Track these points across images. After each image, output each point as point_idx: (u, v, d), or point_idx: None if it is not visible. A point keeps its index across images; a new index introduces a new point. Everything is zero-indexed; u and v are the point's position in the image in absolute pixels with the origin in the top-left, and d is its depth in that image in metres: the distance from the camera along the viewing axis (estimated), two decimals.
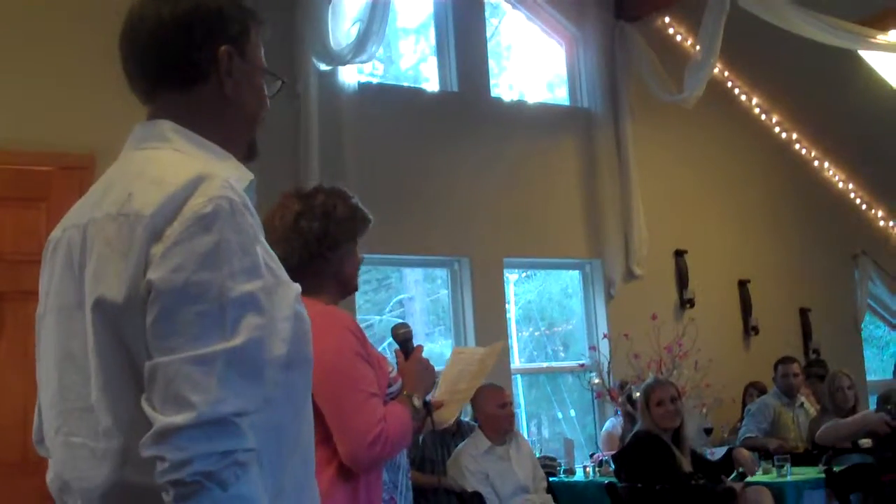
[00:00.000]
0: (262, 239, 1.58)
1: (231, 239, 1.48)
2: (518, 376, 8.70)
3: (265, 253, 1.57)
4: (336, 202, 2.70)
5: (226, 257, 1.47)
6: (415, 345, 2.79)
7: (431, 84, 8.54)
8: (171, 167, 1.57)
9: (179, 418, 1.38)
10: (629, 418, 7.20)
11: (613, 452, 6.59)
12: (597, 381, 8.28)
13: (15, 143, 5.46)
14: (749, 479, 5.96)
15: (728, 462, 5.98)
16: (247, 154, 1.76)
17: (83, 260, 1.58)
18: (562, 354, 9.48)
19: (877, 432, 6.11)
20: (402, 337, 2.79)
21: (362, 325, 2.69)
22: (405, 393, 2.64)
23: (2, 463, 4.95)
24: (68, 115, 5.62)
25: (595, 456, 7.38)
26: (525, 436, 7.07)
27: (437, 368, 2.82)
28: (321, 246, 2.66)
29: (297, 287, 1.64)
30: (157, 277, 1.45)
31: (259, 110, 1.78)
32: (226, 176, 1.55)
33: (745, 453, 6.05)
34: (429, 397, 2.69)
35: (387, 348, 6.93)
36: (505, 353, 8.03)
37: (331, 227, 2.67)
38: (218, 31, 1.69)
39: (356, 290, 2.84)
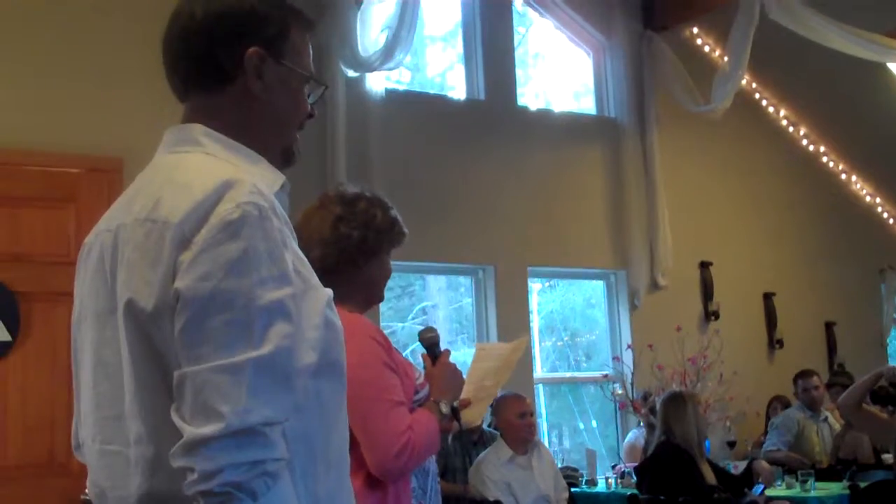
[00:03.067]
0: (293, 244, 1.56)
1: (259, 246, 1.46)
2: (540, 385, 8.68)
3: (295, 258, 1.54)
4: (377, 212, 2.66)
5: (254, 265, 1.44)
6: (441, 349, 2.76)
7: (458, 92, 8.55)
8: (199, 172, 1.54)
9: (208, 429, 1.37)
10: (652, 430, 7.17)
11: (636, 464, 6.56)
12: (620, 391, 8.25)
13: (44, 144, 5.50)
14: (772, 493, 5.94)
15: (749, 475, 5.96)
16: (282, 160, 1.71)
17: (114, 265, 1.56)
18: (584, 364, 9.45)
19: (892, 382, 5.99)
20: (430, 341, 2.75)
21: (385, 332, 2.67)
22: (432, 399, 2.61)
23: (29, 464, 4.98)
24: (97, 117, 5.66)
25: (617, 467, 7.35)
26: (546, 446, 7.05)
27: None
28: (358, 254, 2.63)
29: (329, 293, 1.61)
30: (184, 286, 1.43)
31: (295, 116, 1.75)
32: (255, 180, 1.52)
33: (764, 465, 6.03)
34: (455, 403, 2.66)
35: (409, 355, 6.93)
36: (527, 362, 8.03)
37: (370, 236, 2.63)
38: (248, 31, 1.65)
39: (381, 300, 2.81)
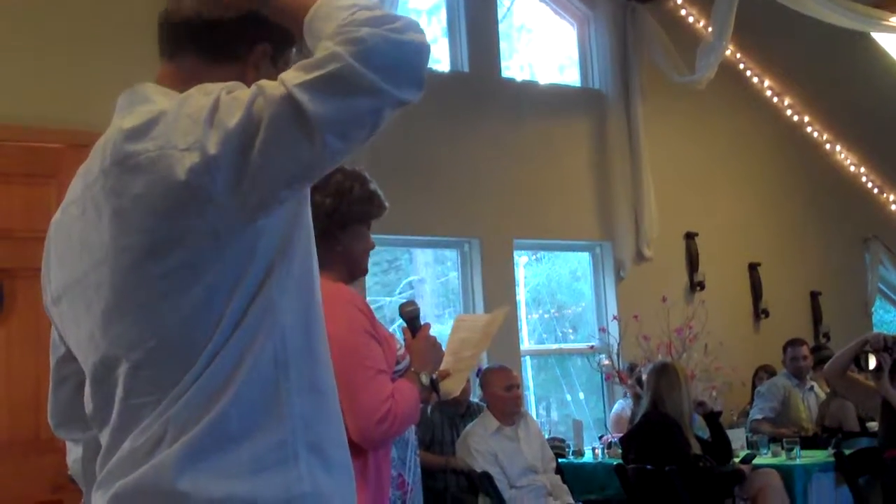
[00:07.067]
0: None
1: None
2: (527, 358, 8.70)
3: None
4: (353, 184, 2.69)
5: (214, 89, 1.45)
6: (422, 323, 2.79)
7: (442, 64, 8.50)
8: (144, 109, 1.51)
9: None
10: (638, 400, 7.20)
11: (622, 434, 6.59)
12: (606, 362, 8.28)
13: (25, 119, 5.45)
14: (758, 461, 5.98)
15: (720, 439, 6.03)
16: None
17: (102, 227, 1.47)
18: (571, 336, 9.47)
19: (876, 350, 5.96)
20: (410, 315, 2.78)
21: (372, 307, 2.68)
22: (413, 370, 2.65)
23: (14, 441, 4.96)
24: (78, 92, 5.60)
25: (604, 438, 7.39)
26: (534, 417, 7.07)
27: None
28: (330, 222, 2.65)
29: None
30: (194, 160, 1.38)
31: None
32: None
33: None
34: (435, 375, 2.70)
35: (397, 329, 6.93)
36: (514, 334, 8.04)
37: (342, 206, 2.66)
38: (271, 29, 1.67)
39: (365, 273, 2.83)
